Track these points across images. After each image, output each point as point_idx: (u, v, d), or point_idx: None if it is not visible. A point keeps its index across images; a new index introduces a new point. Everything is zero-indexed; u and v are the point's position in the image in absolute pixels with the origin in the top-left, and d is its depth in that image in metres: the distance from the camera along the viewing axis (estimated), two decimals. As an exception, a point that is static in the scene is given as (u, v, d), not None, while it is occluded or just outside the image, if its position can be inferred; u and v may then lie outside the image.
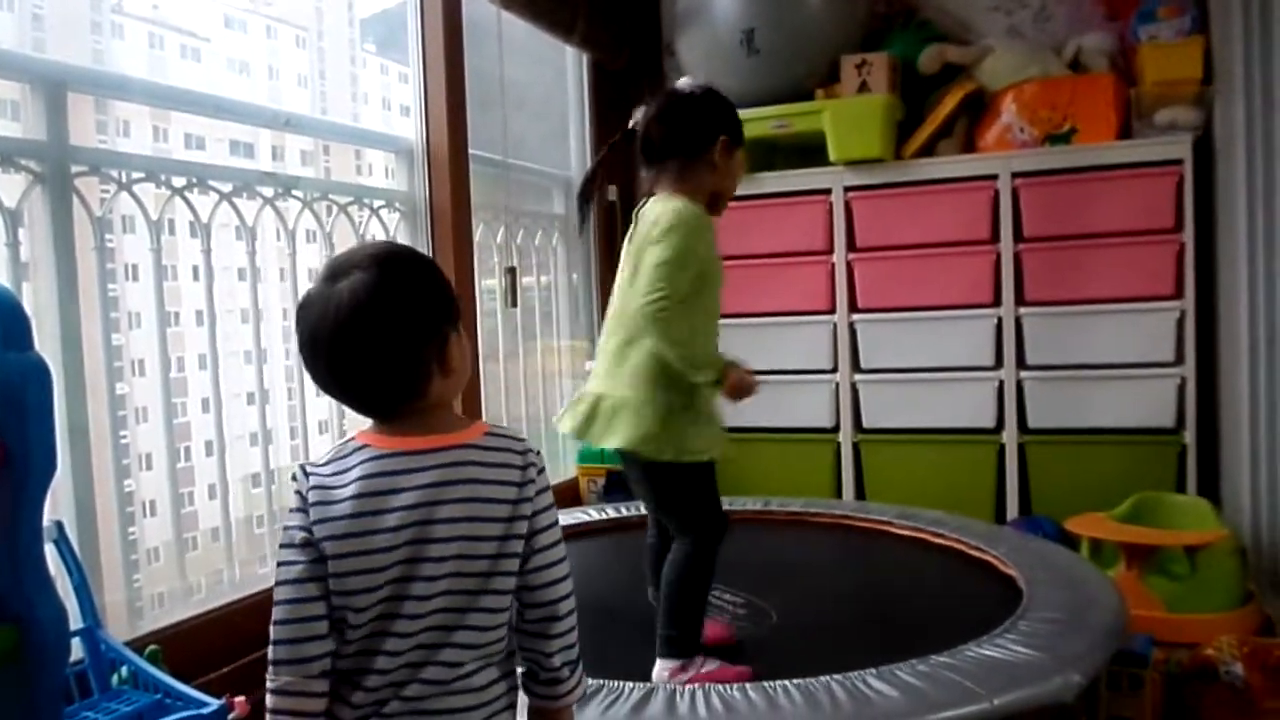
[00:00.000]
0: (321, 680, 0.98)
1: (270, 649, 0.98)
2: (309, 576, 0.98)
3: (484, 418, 2.85)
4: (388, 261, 1.01)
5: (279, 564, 1.00)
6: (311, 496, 0.99)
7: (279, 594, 0.99)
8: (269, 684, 0.99)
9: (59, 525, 1.55)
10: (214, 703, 1.46)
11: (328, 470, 1.01)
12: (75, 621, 1.51)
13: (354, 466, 1.00)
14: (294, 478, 1.02)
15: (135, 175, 1.95)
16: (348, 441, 1.04)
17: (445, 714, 0.98)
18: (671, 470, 1.64)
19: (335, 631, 0.99)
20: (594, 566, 2.44)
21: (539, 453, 1.06)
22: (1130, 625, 1.83)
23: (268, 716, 1.00)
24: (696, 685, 1.51)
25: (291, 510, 1.01)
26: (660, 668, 1.63)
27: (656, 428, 1.62)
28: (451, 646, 0.98)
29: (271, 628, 0.99)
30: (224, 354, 2.15)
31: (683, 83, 1.84)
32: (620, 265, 1.80)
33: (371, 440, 1.02)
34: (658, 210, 1.69)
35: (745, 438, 3.18)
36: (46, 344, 1.71)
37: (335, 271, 1.01)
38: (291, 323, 2.32)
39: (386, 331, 0.99)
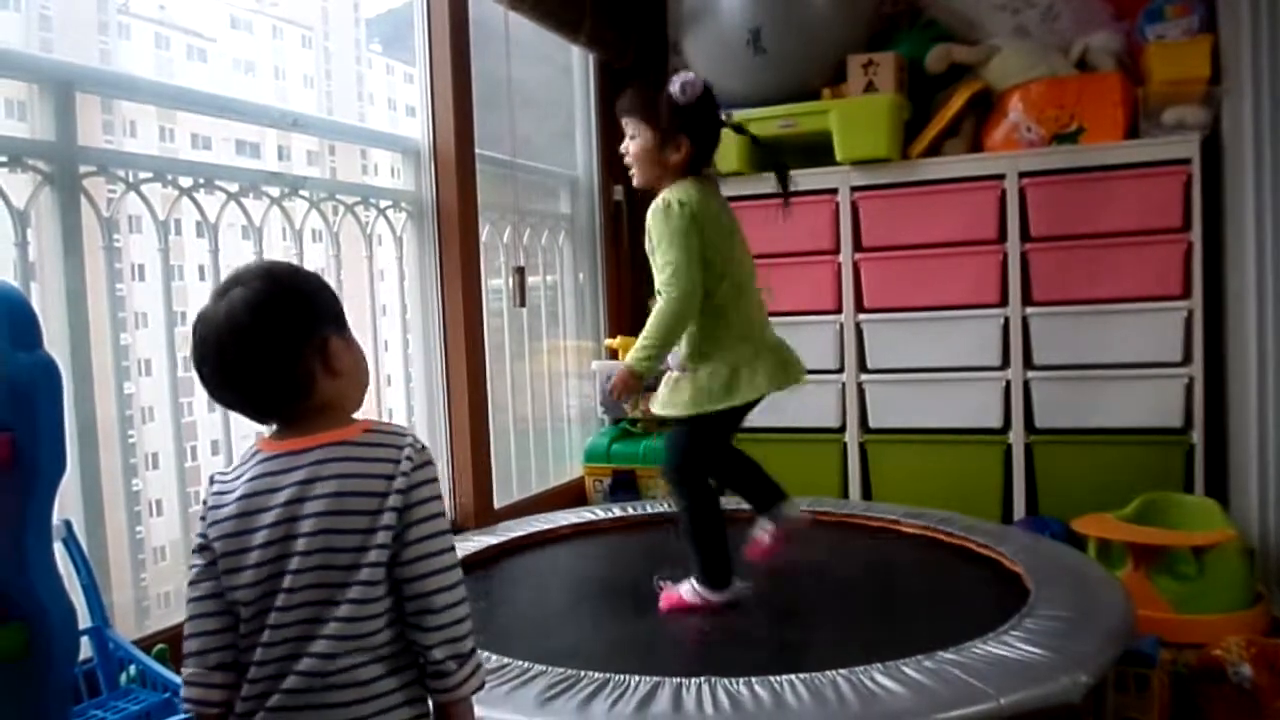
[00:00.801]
0: (219, 672, 1.06)
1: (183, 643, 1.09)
2: (204, 578, 1.08)
3: (491, 416, 2.85)
4: (267, 275, 1.10)
5: (189, 566, 1.10)
6: (210, 502, 1.09)
7: (186, 593, 1.09)
8: (182, 674, 1.09)
9: (68, 524, 1.55)
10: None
11: (228, 477, 1.09)
12: (84, 620, 1.52)
13: (246, 471, 1.08)
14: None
15: (143, 175, 1.96)
16: (249, 448, 1.12)
17: (329, 709, 1.02)
18: None
19: (235, 628, 1.07)
20: (600, 565, 2.45)
21: (423, 448, 1.09)
22: (1138, 626, 1.82)
23: (182, 704, 1.11)
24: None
25: (200, 516, 1.10)
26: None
27: None
28: (323, 638, 1.02)
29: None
30: (231, 353, 2.15)
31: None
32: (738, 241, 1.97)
33: (263, 445, 1.10)
34: None
35: (752, 437, 3.16)
36: (55, 343, 1.71)
37: (221, 289, 1.09)
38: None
39: (261, 337, 1.06)
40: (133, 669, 1.59)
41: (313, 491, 1.03)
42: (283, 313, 1.07)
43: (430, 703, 1.09)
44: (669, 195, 1.86)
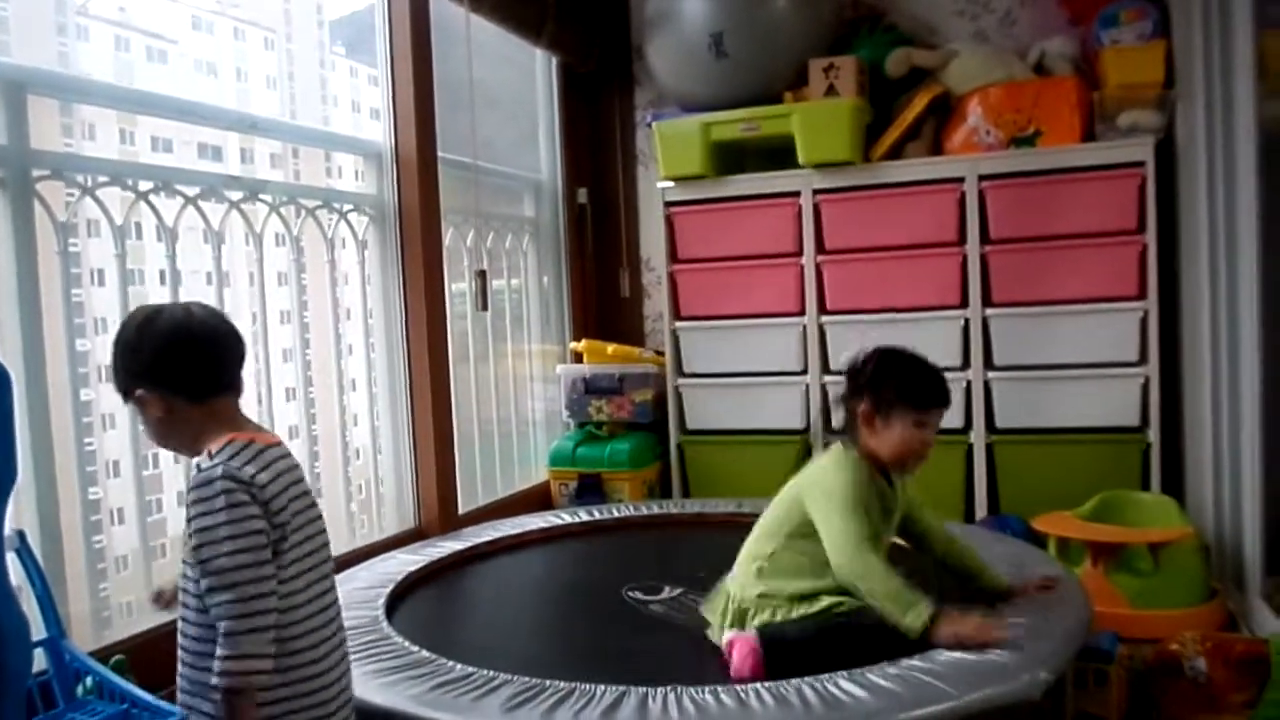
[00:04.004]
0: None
1: (250, 634, 1.20)
2: (268, 562, 1.24)
3: (455, 420, 2.84)
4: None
5: (256, 562, 1.22)
6: (267, 492, 1.25)
7: (257, 587, 1.21)
8: (253, 649, 1.20)
9: (21, 534, 1.52)
10: (179, 711, 1.45)
11: (255, 468, 1.25)
12: (39, 632, 1.49)
13: (269, 460, 1.28)
14: (230, 485, 1.22)
15: (100, 179, 1.93)
16: (240, 441, 1.28)
17: None
18: None
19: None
20: (565, 569, 2.44)
21: None
22: (1096, 622, 1.85)
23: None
24: None
25: (244, 505, 1.22)
26: None
27: None
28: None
29: (248, 611, 1.20)
30: (190, 359, 2.13)
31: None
32: None
33: (258, 438, 1.30)
34: None
35: (716, 439, 3.19)
36: (7, 350, 1.69)
37: (170, 306, 1.37)
38: (259, 328, 2.32)
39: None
40: (89, 680, 1.56)
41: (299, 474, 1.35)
42: None
43: None
44: None
